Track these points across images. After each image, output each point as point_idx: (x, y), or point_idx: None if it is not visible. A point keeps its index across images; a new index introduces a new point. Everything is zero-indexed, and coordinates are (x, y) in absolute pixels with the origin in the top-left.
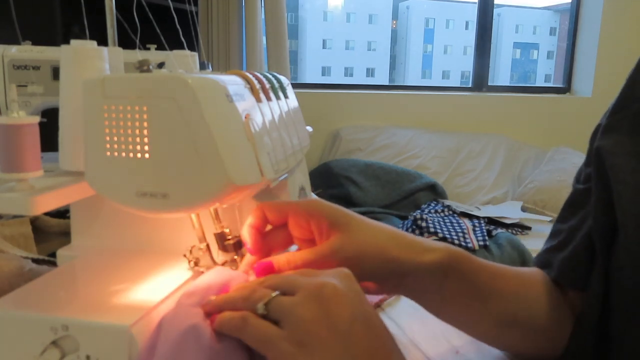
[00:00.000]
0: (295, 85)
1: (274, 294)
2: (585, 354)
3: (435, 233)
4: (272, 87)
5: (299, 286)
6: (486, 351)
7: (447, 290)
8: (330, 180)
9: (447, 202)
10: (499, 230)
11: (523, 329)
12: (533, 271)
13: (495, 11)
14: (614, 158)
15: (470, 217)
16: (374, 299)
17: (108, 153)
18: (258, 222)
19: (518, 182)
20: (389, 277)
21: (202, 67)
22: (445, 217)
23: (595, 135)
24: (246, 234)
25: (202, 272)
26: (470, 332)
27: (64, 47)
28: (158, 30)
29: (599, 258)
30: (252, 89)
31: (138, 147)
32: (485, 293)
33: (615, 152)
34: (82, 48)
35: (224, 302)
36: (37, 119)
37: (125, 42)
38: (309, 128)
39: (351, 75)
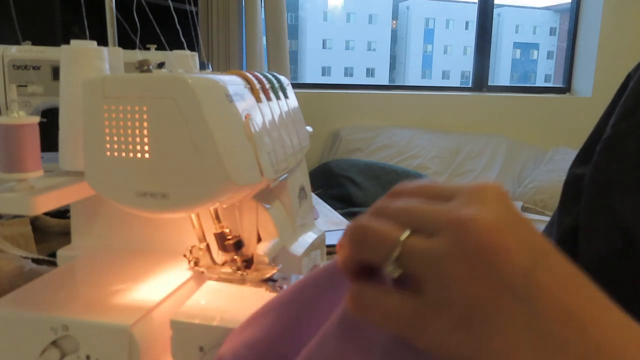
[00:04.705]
0: (295, 85)
1: (403, 237)
2: None
3: None
4: (272, 87)
5: (436, 220)
6: None
7: None
8: (330, 181)
9: None
10: None
11: None
12: None
13: (495, 11)
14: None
15: None
16: None
17: (108, 153)
18: None
19: (518, 182)
20: None
21: (202, 67)
22: None
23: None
24: None
25: (202, 272)
26: None
27: (64, 47)
28: (158, 30)
29: None
30: (252, 89)
31: (138, 147)
32: None
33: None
34: (82, 48)
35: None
36: (37, 119)
37: (125, 42)
38: (309, 128)
39: (351, 75)
